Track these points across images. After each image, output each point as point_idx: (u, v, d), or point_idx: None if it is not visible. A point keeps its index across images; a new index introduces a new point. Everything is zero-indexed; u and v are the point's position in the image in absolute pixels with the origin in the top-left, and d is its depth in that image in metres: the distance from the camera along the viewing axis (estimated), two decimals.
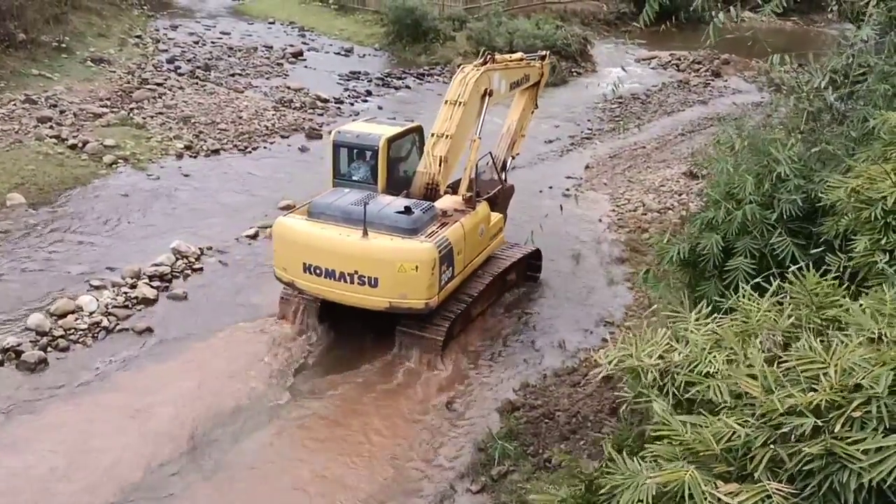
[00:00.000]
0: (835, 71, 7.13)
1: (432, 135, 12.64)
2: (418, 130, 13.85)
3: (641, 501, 3.21)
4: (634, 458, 3.41)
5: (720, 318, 4.00)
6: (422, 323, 11.96)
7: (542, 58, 15.55)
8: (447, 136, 12.41)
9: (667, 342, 3.76)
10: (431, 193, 12.56)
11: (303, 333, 12.57)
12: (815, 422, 3.07)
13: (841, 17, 9.10)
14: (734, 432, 3.22)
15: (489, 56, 13.37)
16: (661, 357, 3.66)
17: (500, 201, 14.13)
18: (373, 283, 11.29)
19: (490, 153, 14.27)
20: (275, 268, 12.30)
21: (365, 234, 11.30)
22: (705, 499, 3.03)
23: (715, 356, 3.55)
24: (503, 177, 14.48)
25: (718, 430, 3.24)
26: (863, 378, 3.14)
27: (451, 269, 11.80)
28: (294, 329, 12.65)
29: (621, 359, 3.71)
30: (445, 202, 12.75)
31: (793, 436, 3.13)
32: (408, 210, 11.71)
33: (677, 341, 3.76)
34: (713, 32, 6.80)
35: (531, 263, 14.72)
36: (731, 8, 6.77)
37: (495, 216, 13.61)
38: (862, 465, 2.92)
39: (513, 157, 15.21)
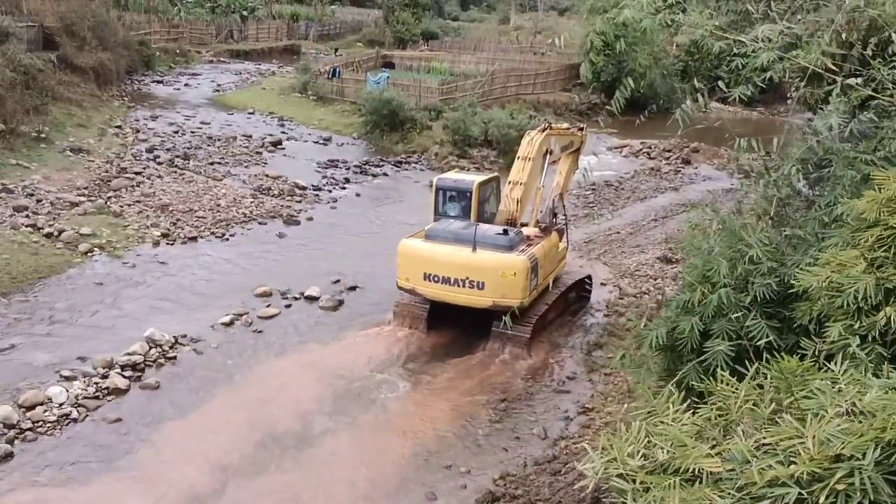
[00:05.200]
0: (802, 159, 7.31)
1: (509, 182, 16.13)
2: (497, 180, 17.72)
3: None
4: None
5: (698, 404, 3.96)
6: (511, 324, 14.14)
7: (581, 129, 19.26)
8: (521, 183, 15.95)
9: (646, 438, 3.71)
10: (511, 227, 15.72)
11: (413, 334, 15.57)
12: (800, 492, 3.02)
13: (802, 106, 9.41)
14: None
15: (548, 125, 17.02)
16: (644, 456, 3.60)
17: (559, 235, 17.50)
18: (480, 286, 14.64)
19: (561, 194, 17.87)
20: (398, 279, 15.57)
21: (474, 249, 14.62)
22: None
23: (699, 448, 3.50)
24: (558, 218, 17.83)
25: (699, 502, 3.18)
26: (842, 448, 3.11)
27: (536, 278, 15.11)
28: (407, 332, 15.67)
29: (605, 465, 3.64)
30: (527, 231, 16.23)
31: None
32: (505, 232, 15.22)
33: (656, 436, 3.71)
34: (681, 119, 6.98)
35: (585, 287, 18.13)
36: (700, 97, 6.97)
37: (561, 244, 17.31)
38: None
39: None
